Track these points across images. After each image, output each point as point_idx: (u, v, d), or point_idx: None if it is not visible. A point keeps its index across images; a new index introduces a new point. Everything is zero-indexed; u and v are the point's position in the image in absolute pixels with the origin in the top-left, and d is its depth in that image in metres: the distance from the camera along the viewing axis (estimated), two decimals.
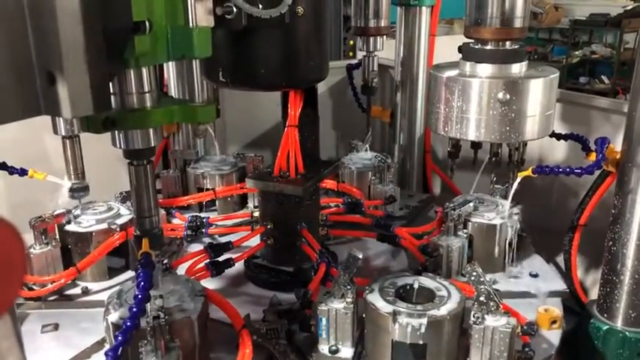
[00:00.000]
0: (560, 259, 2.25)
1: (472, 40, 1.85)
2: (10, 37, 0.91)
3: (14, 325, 0.86)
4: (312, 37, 1.86)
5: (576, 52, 10.21)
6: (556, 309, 1.85)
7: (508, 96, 1.73)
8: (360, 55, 3.04)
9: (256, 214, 2.31)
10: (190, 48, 1.26)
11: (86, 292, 2.04)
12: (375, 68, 2.99)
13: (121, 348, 1.32)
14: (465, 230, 2.09)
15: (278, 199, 2.04)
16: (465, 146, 2.03)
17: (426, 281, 1.68)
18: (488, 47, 1.81)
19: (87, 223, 2.10)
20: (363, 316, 1.61)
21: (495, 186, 2.27)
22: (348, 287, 1.63)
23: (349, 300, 1.63)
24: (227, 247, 2.04)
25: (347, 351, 1.65)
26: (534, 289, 2.02)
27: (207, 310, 1.63)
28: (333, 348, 1.65)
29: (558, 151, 2.60)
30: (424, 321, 1.48)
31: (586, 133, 2.15)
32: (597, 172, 1.94)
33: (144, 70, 1.26)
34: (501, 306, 1.55)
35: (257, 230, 2.14)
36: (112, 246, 2.04)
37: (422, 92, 3.10)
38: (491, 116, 1.77)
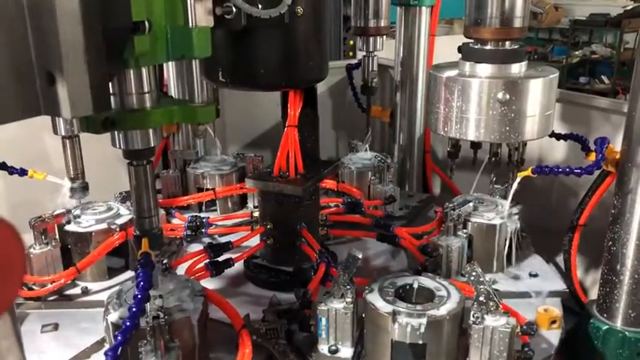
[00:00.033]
0: (559, 259, 2.25)
1: (472, 40, 1.85)
2: (10, 38, 0.91)
3: (14, 324, 0.86)
4: (311, 37, 1.86)
5: (576, 52, 10.22)
6: (556, 309, 1.85)
7: (508, 96, 1.73)
8: (359, 55, 3.04)
9: (256, 214, 2.31)
10: (190, 48, 1.26)
11: (86, 292, 2.04)
12: (375, 68, 2.99)
13: (120, 348, 1.32)
14: (464, 230, 2.09)
15: (278, 199, 2.04)
16: (465, 146, 2.03)
17: (426, 281, 1.68)
18: (488, 47, 1.81)
19: (87, 223, 2.10)
20: (363, 316, 1.61)
21: (495, 186, 2.27)
22: (348, 287, 1.63)
23: (349, 300, 1.63)
24: (227, 247, 2.05)
25: (346, 351, 1.65)
26: (534, 289, 2.02)
27: (207, 310, 1.63)
28: (333, 348, 1.65)
29: (558, 151, 2.60)
30: (424, 321, 1.48)
31: (586, 133, 2.15)
32: (597, 172, 1.94)
33: (143, 71, 1.26)
34: (501, 306, 1.55)
35: (257, 230, 2.14)
36: (112, 246, 2.04)
37: (422, 92, 3.11)
38: (490, 116, 1.77)
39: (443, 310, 1.53)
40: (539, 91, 1.78)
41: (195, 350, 1.53)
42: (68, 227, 2.09)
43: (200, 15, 1.29)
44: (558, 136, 2.18)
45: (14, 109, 0.93)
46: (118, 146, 1.36)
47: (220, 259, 2.00)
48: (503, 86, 1.74)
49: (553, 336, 1.78)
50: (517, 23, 1.76)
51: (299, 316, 1.73)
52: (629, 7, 9.57)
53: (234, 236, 2.18)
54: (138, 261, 1.47)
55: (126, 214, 2.16)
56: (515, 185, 2.02)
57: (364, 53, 2.96)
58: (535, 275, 2.13)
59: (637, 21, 9.23)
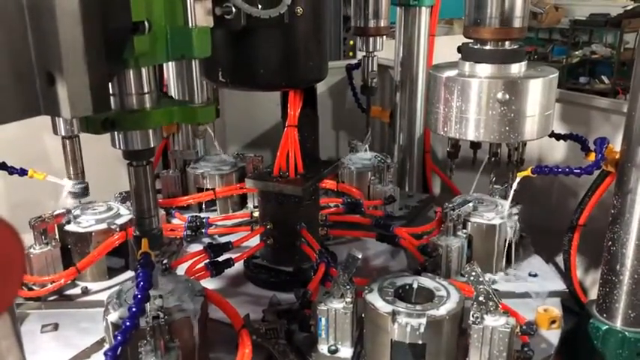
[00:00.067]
0: (559, 259, 2.25)
1: (471, 40, 1.85)
2: (10, 38, 0.91)
3: (14, 324, 0.86)
4: (311, 37, 1.86)
5: (576, 52, 10.22)
6: (555, 309, 1.85)
7: (507, 96, 1.73)
8: (359, 55, 3.04)
9: (256, 214, 2.31)
10: (190, 48, 1.26)
11: (86, 292, 2.04)
12: (375, 68, 2.99)
13: (120, 348, 1.32)
14: (464, 230, 2.09)
15: (278, 199, 2.04)
16: (465, 146, 2.03)
17: (426, 281, 1.68)
18: (488, 47, 1.81)
19: (86, 223, 2.10)
20: (363, 316, 1.62)
21: (495, 186, 2.27)
22: (348, 287, 1.63)
23: (348, 300, 1.63)
24: (227, 247, 2.05)
25: (346, 351, 1.66)
26: (534, 289, 2.02)
27: (207, 310, 1.63)
28: (333, 348, 1.65)
29: (558, 151, 2.60)
30: (423, 321, 1.48)
31: (586, 134, 2.15)
32: (597, 172, 1.94)
33: (143, 71, 1.26)
34: (500, 306, 1.55)
35: (257, 230, 2.14)
36: (112, 246, 2.04)
37: (421, 92, 3.11)
38: (490, 116, 1.77)
39: (442, 310, 1.53)
40: (538, 91, 1.78)
41: (195, 350, 1.53)
42: (68, 227, 2.09)
43: (200, 15, 1.29)
44: (558, 136, 2.18)
45: (14, 109, 0.93)
46: (117, 147, 1.36)
47: (220, 259, 2.00)
48: (502, 86, 1.74)
49: (553, 336, 1.78)
50: (517, 23, 1.76)
51: (299, 316, 1.73)
52: (629, 7, 9.57)
53: (234, 236, 2.18)
54: (138, 261, 1.47)
55: (126, 214, 2.16)
56: (514, 185, 2.03)
57: (364, 53, 2.97)
58: (535, 275, 2.13)
59: (637, 21, 9.23)
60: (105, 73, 1.05)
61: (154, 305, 1.41)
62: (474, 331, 1.52)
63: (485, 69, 1.81)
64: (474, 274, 1.54)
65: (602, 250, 1.91)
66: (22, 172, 2.17)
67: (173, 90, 1.60)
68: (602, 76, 9.87)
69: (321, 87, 2.12)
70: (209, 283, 1.90)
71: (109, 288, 1.98)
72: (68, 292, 2.03)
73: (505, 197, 2.17)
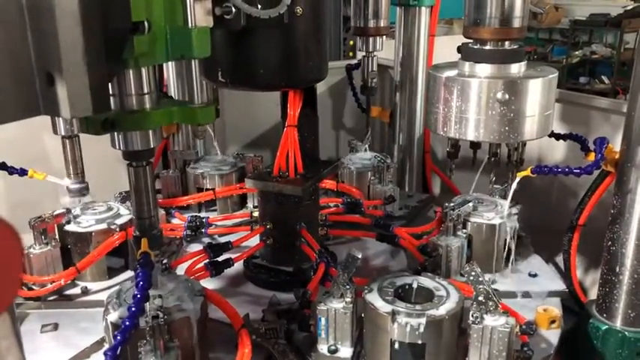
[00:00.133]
0: (559, 259, 2.25)
1: (471, 40, 1.85)
2: (10, 38, 0.91)
3: (13, 324, 0.86)
4: (311, 37, 1.86)
5: (576, 52, 10.22)
6: (555, 309, 1.85)
7: (507, 96, 1.73)
8: (359, 55, 3.04)
9: (256, 214, 2.31)
10: (189, 48, 1.26)
11: (86, 292, 2.04)
12: (375, 68, 2.99)
13: (119, 348, 1.33)
14: (464, 230, 2.09)
15: (277, 199, 2.04)
16: (465, 146, 2.03)
17: (425, 281, 1.68)
18: (487, 47, 1.81)
19: (86, 223, 2.10)
20: (362, 315, 1.62)
21: (494, 186, 2.27)
22: (347, 287, 1.63)
23: (348, 300, 1.63)
24: (226, 247, 2.05)
25: (346, 351, 1.66)
26: (533, 289, 2.02)
27: (207, 309, 1.63)
28: (332, 348, 1.65)
29: (557, 151, 2.60)
30: (423, 321, 1.48)
31: (585, 133, 2.15)
32: (596, 172, 1.94)
33: (143, 72, 1.27)
34: (500, 306, 1.55)
35: (256, 230, 2.14)
36: (112, 246, 2.04)
37: (421, 92, 3.11)
38: (490, 116, 1.77)
39: (442, 310, 1.53)
40: (538, 91, 1.78)
41: (195, 350, 1.53)
42: (68, 227, 2.09)
43: (199, 15, 1.29)
44: (558, 136, 2.18)
45: (14, 109, 0.93)
46: (117, 147, 1.36)
47: (220, 259, 2.00)
48: (502, 86, 1.74)
49: (552, 336, 1.78)
50: (516, 23, 1.76)
51: (298, 316, 1.73)
52: (629, 7, 9.57)
53: (234, 236, 2.18)
54: (137, 261, 1.48)
55: (126, 214, 2.17)
56: (514, 185, 2.03)
57: (364, 53, 2.97)
58: (534, 275, 2.13)
59: (637, 21, 9.23)
60: (105, 73, 1.05)
61: (153, 305, 1.41)
62: (473, 330, 1.52)
63: (484, 69, 1.81)
64: (473, 273, 1.55)
65: (601, 249, 1.91)
66: (22, 172, 2.17)
67: (173, 90, 1.60)
68: (602, 76, 9.87)
69: (321, 87, 2.12)
70: (209, 283, 1.90)
71: (109, 288, 1.98)
72: (68, 292, 2.04)
73: (505, 197, 2.17)
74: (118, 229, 2.06)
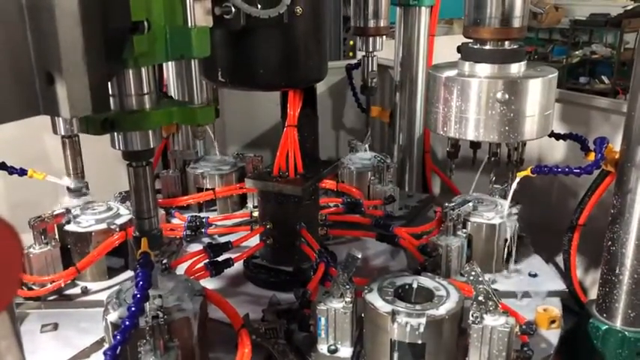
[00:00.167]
0: (559, 259, 2.25)
1: (471, 40, 1.85)
2: (10, 37, 0.91)
3: (13, 324, 0.86)
4: (310, 36, 1.86)
5: (576, 52, 10.22)
6: (555, 309, 1.85)
7: (507, 96, 1.73)
8: (359, 55, 3.04)
9: (256, 214, 2.31)
10: (189, 48, 1.26)
11: (85, 291, 2.04)
12: (375, 68, 2.99)
13: (119, 347, 1.33)
14: (464, 230, 2.09)
15: (277, 199, 2.04)
16: (464, 146, 2.03)
17: (425, 281, 1.68)
18: (487, 47, 1.81)
19: (86, 223, 2.10)
20: (362, 315, 1.62)
21: (494, 186, 2.27)
22: (347, 287, 1.63)
23: (348, 300, 1.63)
24: (226, 247, 2.04)
25: (346, 350, 1.66)
26: (533, 288, 2.02)
27: (207, 309, 1.63)
28: (332, 347, 1.65)
29: (557, 151, 2.60)
30: (423, 320, 1.48)
31: (585, 133, 2.15)
32: (596, 172, 1.94)
33: (143, 72, 1.26)
34: (500, 305, 1.55)
35: (256, 230, 2.14)
36: (112, 246, 2.04)
37: (421, 92, 3.11)
38: (490, 116, 1.77)
39: (442, 310, 1.53)
40: (538, 91, 1.78)
41: (195, 350, 1.53)
42: (68, 227, 2.09)
43: (199, 15, 1.29)
44: (558, 136, 2.18)
45: (13, 109, 0.93)
46: (117, 147, 1.36)
47: (220, 259, 2.00)
48: (502, 86, 1.74)
49: (552, 336, 1.78)
50: (516, 23, 1.76)
51: (298, 316, 1.73)
52: (629, 7, 9.57)
53: (234, 236, 2.18)
54: (137, 261, 1.47)
55: (125, 214, 2.16)
56: (514, 185, 2.03)
57: (364, 53, 2.97)
58: (534, 275, 2.13)
59: (637, 21, 9.23)
60: (104, 73, 1.05)
61: (153, 305, 1.41)
62: (473, 330, 1.52)
63: (484, 69, 1.81)
64: (473, 273, 1.55)
65: (601, 249, 1.91)
66: (22, 172, 2.17)
67: (173, 90, 1.60)
68: (602, 76, 9.88)
69: (321, 87, 2.12)
70: (209, 283, 1.90)
71: (109, 288, 1.98)
72: (68, 292, 2.04)
73: (505, 197, 2.17)
74: (117, 229, 2.06)
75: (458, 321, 1.57)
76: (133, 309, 1.38)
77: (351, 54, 5.71)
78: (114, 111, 1.25)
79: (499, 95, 1.73)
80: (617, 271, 1.84)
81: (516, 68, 1.82)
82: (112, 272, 2.13)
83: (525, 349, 1.60)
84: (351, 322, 1.64)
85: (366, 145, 2.92)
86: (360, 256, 1.65)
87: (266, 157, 2.71)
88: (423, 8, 3.00)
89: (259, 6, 1.63)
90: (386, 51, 3.02)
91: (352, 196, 2.57)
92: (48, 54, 0.94)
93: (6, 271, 0.69)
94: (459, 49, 1.90)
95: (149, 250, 1.50)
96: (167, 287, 1.61)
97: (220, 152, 2.88)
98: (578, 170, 1.90)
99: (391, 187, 2.62)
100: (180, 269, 1.93)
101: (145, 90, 1.28)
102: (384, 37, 2.94)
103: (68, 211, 2.13)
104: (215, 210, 2.66)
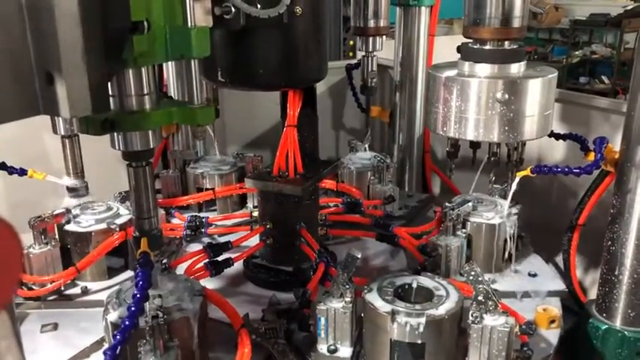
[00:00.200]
0: (559, 259, 2.25)
1: (471, 40, 1.85)
2: (10, 38, 0.91)
3: (13, 324, 0.86)
4: (310, 36, 1.86)
5: (576, 52, 10.22)
6: (555, 308, 1.85)
7: (507, 96, 1.73)
8: (359, 55, 3.04)
9: (255, 213, 2.31)
10: (189, 48, 1.26)
11: (85, 291, 2.04)
12: (374, 68, 2.99)
13: (119, 347, 1.33)
14: (463, 230, 2.09)
15: (277, 199, 2.04)
16: (464, 146, 2.03)
17: (425, 281, 1.68)
18: (487, 47, 1.81)
19: (86, 223, 2.10)
20: (362, 315, 1.62)
21: (494, 186, 2.27)
22: (347, 287, 1.63)
23: (348, 299, 1.63)
24: (226, 246, 2.04)
25: (345, 350, 1.66)
26: (533, 288, 2.02)
27: (206, 309, 1.63)
28: (332, 347, 1.65)
29: (557, 151, 2.60)
30: (423, 320, 1.48)
31: (585, 133, 2.15)
32: (596, 172, 1.94)
33: (143, 72, 1.26)
34: (500, 305, 1.55)
35: (256, 230, 2.14)
36: (112, 246, 2.04)
37: (421, 92, 3.10)
38: (489, 116, 1.77)
39: (442, 310, 1.53)
40: (538, 91, 1.78)
41: (195, 350, 1.53)
42: (68, 227, 2.09)
43: (199, 15, 1.29)
44: (557, 136, 2.18)
45: (13, 109, 0.93)
46: (117, 148, 1.36)
47: (220, 258, 2.00)
48: (502, 86, 1.74)
49: (552, 336, 1.78)
50: (516, 23, 1.76)
51: (298, 316, 1.73)
52: (629, 7, 9.57)
53: (234, 236, 2.18)
54: (137, 261, 1.48)
55: (125, 214, 2.16)
56: (514, 185, 2.03)
57: (364, 53, 2.97)
58: (534, 275, 2.13)
59: (637, 21, 9.22)
60: (104, 73, 1.05)
61: (153, 305, 1.42)
62: (473, 330, 1.52)
63: (484, 69, 1.81)
64: (473, 273, 1.55)
65: (601, 249, 1.91)
66: (22, 172, 2.17)
67: (173, 90, 1.60)
68: (602, 76, 9.87)
69: (320, 87, 2.12)
70: (208, 283, 1.90)
71: (109, 288, 1.99)
72: (68, 292, 2.04)
73: (504, 197, 2.17)
74: (117, 229, 2.06)
75: (457, 321, 1.57)
76: (132, 309, 1.38)
77: (351, 54, 5.71)
78: (114, 111, 1.25)
79: (499, 95, 1.73)
80: (616, 271, 1.84)
81: (516, 68, 1.82)
82: (112, 272, 2.13)
83: (525, 348, 1.60)
84: (351, 321, 1.64)
85: (366, 145, 2.92)
86: (359, 256, 1.65)
87: (266, 157, 2.71)
88: (423, 8, 3.00)
89: (259, 6, 1.63)
90: (386, 51, 3.02)
91: (352, 196, 2.57)
92: (48, 54, 0.94)
93: (6, 271, 0.69)
94: (458, 49, 1.90)
95: (149, 250, 1.50)
96: (167, 287, 1.61)
97: (220, 152, 2.88)
98: (577, 170, 1.90)
99: (391, 187, 2.62)
100: (180, 269, 1.93)
101: (145, 90, 1.28)
102: (384, 37, 2.94)
103: (68, 211, 2.13)
104: (215, 210, 2.66)
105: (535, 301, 1.93)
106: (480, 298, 1.53)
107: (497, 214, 2.12)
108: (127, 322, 1.36)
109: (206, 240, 2.35)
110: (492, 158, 2.09)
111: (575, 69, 10.24)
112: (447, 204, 2.13)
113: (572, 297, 2.12)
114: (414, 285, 1.67)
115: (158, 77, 1.42)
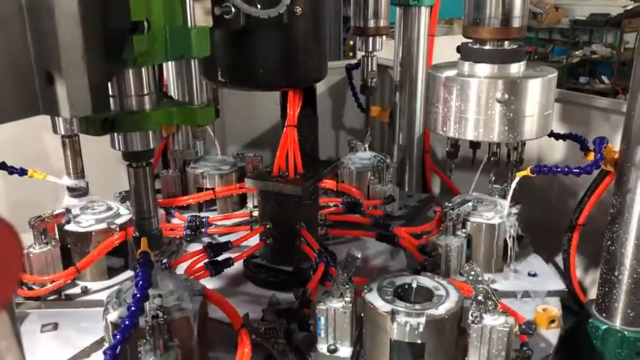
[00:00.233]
0: (558, 259, 2.25)
1: (471, 40, 1.85)
2: (10, 38, 0.92)
3: (13, 324, 0.86)
4: (310, 36, 1.86)
5: (576, 52, 10.21)
6: (555, 308, 1.86)
7: (507, 96, 1.73)
8: (359, 55, 3.04)
9: (255, 213, 2.32)
10: (189, 48, 1.26)
11: (85, 291, 2.04)
12: (374, 68, 2.99)
13: (119, 347, 1.33)
14: (463, 230, 2.09)
15: (277, 199, 2.04)
16: (464, 146, 2.03)
17: (425, 281, 1.68)
18: (487, 47, 1.81)
19: (86, 222, 2.10)
20: (362, 315, 1.62)
21: (494, 186, 2.27)
22: (347, 286, 1.63)
23: (348, 299, 1.63)
24: (226, 246, 2.05)
25: (345, 350, 1.66)
26: (533, 288, 2.02)
27: (206, 309, 1.63)
28: (332, 347, 1.66)
29: (557, 151, 2.60)
30: (422, 320, 1.48)
31: (585, 133, 2.15)
32: (596, 172, 1.94)
33: (143, 72, 1.27)
34: (499, 305, 1.55)
35: (256, 230, 2.14)
36: (112, 246, 2.04)
37: (421, 92, 3.11)
38: (489, 116, 1.77)
39: (441, 310, 1.53)
40: (537, 91, 1.78)
41: (195, 349, 1.53)
42: (68, 227, 2.09)
43: (199, 15, 1.29)
44: (557, 136, 2.18)
45: (13, 109, 0.93)
46: (117, 148, 1.36)
47: (220, 258, 2.00)
48: (502, 86, 1.74)
49: (552, 335, 1.79)
50: (516, 23, 1.76)
51: (298, 316, 1.73)
52: (629, 7, 9.56)
53: (234, 236, 2.18)
54: (137, 261, 1.48)
55: (125, 213, 2.16)
56: (514, 185, 2.03)
57: (363, 53, 2.97)
58: (534, 275, 2.13)
59: (637, 21, 9.22)
60: (104, 72, 1.05)
61: (153, 304, 1.42)
62: (473, 330, 1.53)
63: (484, 69, 1.81)
64: (473, 273, 1.55)
65: (601, 249, 1.91)
66: (22, 172, 2.17)
67: (173, 90, 1.60)
68: (602, 76, 9.87)
69: (320, 87, 2.12)
70: (208, 283, 1.90)
71: (109, 288, 1.99)
72: (68, 292, 2.04)
73: (504, 197, 2.17)
74: (117, 229, 2.06)
75: (457, 321, 1.57)
76: (132, 309, 1.38)
77: (351, 54, 5.71)
78: (114, 111, 1.26)
79: (499, 95, 1.74)
80: (616, 271, 1.84)
81: (516, 68, 1.82)
82: (112, 272, 2.13)
83: (525, 348, 1.61)
84: (351, 321, 1.64)
85: (366, 145, 2.92)
86: (359, 256, 1.65)
87: (266, 157, 2.71)
88: (423, 8, 3.00)
89: (259, 6, 1.63)
90: (386, 51, 3.02)
91: (352, 195, 2.58)
92: (48, 54, 0.94)
93: (6, 270, 0.69)
94: (458, 49, 1.90)
95: (149, 250, 1.50)
96: (167, 287, 1.61)
97: (220, 152, 2.88)
98: (577, 170, 1.90)
99: (391, 187, 2.62)
100: (180, 269, 1.93)
101: (145, 90, 1.28)
102: (384, 37, 2.94)
103: (68, 210, 2.13)
104: (215, 210, 2.66)
105: (535, 301, 1.93)
106: (479, 297, 1.53)
107: (497, 214, 2.12)
108: (127, 322, 1.36)
109: (206, 240, 2.35)
110: (492, 158, 2.09)
111: (575, 69, 10.24)
112: (446, 204, 2.13)
113: (571, 297, 2.12)
114: (414, 285, 1.67)
115: (158, 77, 1.42)
